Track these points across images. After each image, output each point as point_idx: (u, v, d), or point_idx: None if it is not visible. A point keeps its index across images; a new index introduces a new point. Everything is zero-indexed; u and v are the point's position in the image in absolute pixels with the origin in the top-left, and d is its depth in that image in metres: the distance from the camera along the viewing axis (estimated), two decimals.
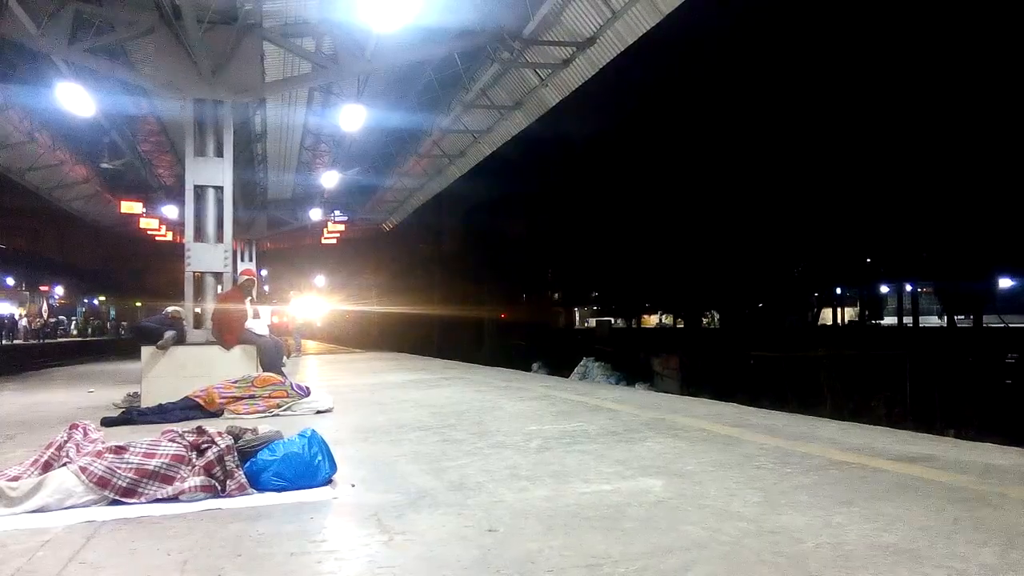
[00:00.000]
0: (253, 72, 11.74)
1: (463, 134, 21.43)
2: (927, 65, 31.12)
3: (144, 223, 28.98)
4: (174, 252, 27.94)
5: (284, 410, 7.97)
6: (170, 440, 4.31)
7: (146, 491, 4.01)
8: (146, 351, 9.64)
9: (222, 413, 7.72)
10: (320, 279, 65.41)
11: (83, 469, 3.96)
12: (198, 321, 10.84)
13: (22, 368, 22.55)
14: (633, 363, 28.94)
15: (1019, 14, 26.63)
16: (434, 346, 42.83)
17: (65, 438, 4.40)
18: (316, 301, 59.74)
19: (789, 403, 15.95)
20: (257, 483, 4.23)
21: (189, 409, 7.72)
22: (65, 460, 4.17)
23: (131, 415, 7.72)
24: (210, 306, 10.74)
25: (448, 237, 57.97)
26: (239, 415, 7.64)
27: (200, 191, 11.08)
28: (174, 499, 4.02)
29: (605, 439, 5.88)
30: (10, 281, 53.71)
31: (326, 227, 32.42)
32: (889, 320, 49.98)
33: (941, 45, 30.57)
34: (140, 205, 27.90)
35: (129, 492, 3.98)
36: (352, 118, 17.00)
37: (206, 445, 4.29)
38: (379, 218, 36.01)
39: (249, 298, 10.60)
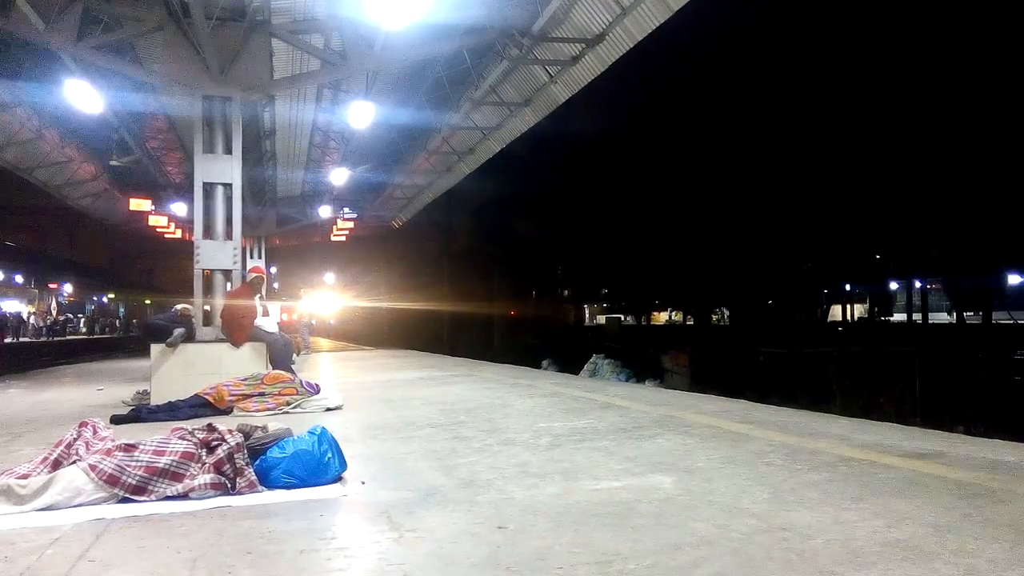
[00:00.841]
0: (262, 69, 11.74)
1: (472, 131, 21.41)
2: (937, 63, 31.02)
3: (153, 220, 28.91)
4: (183, 249, 27.99)
5: (294, 407, 7.99)
6: (180, 438, 4.32)
7: (156, 489, 4.02)
8: (155, 349, 9.67)
9: (232, 411, 7.74)
10: (330, 276, 65.40)
11: (92, 467, 3.96)
12: (207, 318, 10.86)
13: (31, 366, 22.66)
14: (643, 360, 28.84)
15: None
16: (444, 343, 42.88)
17: (74, 436, 4.40)
18: (327, 298, 59.81)
19: (798, 400, 15.90)
20: (267, 480, 4.23)
21: (199, 407, 7.74)
22: (75, 458, 4.17)
23: (140, 413, 7.74)
24: (219, 303, 10.76)
25: (458, 234, 58.00)
26: (249, 412, 7.65)
27: (209, 188, 11.10)
28: (184, 497, 4.02)
29: (615, 436, 5.87)
30: (19, 279, 53.90)
31: (335, 224, 32.32)
32: (899, 316, 49.91)
33: (951, 44, 30.46)
34: (149, 202, 27.82)
35: (139, 490, 3.98)
36: (361, 115, 16.97)
37: (216, 442, 4.29)
38: (389, 215, 35.97)
39: (258, 295, 10.60)
